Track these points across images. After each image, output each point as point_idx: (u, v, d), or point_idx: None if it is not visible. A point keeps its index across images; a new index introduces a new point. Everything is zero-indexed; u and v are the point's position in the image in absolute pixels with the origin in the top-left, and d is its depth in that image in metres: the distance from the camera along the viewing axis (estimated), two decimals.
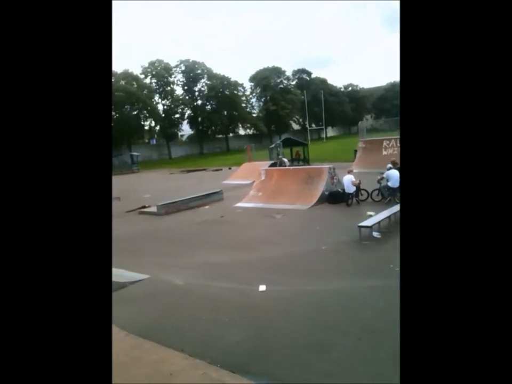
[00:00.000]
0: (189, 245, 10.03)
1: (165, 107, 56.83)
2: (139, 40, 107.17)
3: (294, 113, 68.64)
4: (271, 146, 29.97)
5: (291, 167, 20.06)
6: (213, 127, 59.26)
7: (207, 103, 59.36)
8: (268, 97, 65.31)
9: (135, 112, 51.80)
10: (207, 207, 15.07)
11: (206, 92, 58.23)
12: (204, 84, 58.77)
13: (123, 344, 4.80)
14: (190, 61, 57.43)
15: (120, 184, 28.44)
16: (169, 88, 56.83)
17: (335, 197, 13.54)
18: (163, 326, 5.40)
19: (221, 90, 57.73)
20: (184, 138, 65.38)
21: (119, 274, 7.71)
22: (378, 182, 13.17)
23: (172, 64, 56.98)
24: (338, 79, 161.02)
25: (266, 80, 65.30)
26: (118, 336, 5.01)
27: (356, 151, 24.62)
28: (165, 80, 55.73)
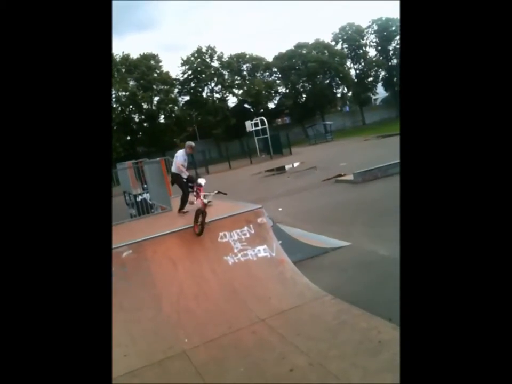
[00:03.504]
0: (387, 213, 9.66)
1: (357, 71, 55.40)
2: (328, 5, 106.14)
3: None
4: None
5: None
6: None
7: None
8: None
9: (327, 81, 52.26)
10: None
11: None
12: (398, 41, 54.44)
13: (331, 307, 5.03)
14: (383, 19, 53.84)
15: (314, 154, 29.56)
16: (361, 51, 54.94)
17: None
18: (368, 293, 5.40)
19: None
20: (378, 101, 62.69)
21: (321, 240, 8.09)
22: None
23: (363, 25, 54.74)
24: None
25: None
26: (325, 299, 5.27)
27: None
28: (357, 43, 54.03)
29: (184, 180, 7.60)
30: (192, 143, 8.03)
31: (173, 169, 7.74)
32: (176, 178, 7.73)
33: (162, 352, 4.53)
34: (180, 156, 7.61)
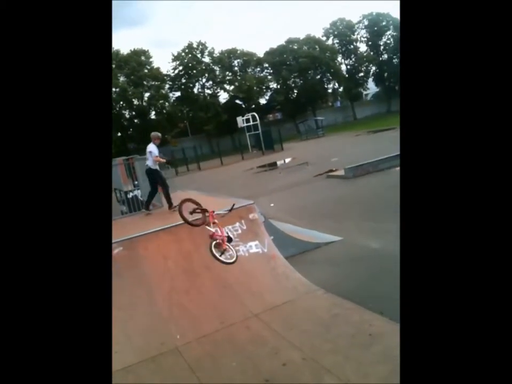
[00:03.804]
0: (378, 208, 9.74)
1: (348, 67, 55.57)
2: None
3: None
4: None
5: None
6: None
7: (394, 57, 55.23)
8: None
9: (318, 77, 52.30)
10: (398, 168, 14.26)
11: (392, 44, 54.10)
12: (389, 37, 54.69)
13: (323, 302, 5.06)
14: (374, 14, 53.96)
15: (306, 149, 29.61)
16: (352, 46, 55.13)
17: None
18: (360, 286, 5.43)
19: None
20: (369, 97, 62.96)
21: (313, 235, 8.12)
22: None
23: (354, 20, 54.83)
24: None
25: None
26: (317, 293, 5.30)
27: None
28: (348, 38, 54.20)
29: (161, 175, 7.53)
30: (159, 133, 7.80)
31: (150, 164, 7.45)
32: (154, 174, 7.53)
33: (155, 349, 4.52)
34: (154, 150, 7.39)
